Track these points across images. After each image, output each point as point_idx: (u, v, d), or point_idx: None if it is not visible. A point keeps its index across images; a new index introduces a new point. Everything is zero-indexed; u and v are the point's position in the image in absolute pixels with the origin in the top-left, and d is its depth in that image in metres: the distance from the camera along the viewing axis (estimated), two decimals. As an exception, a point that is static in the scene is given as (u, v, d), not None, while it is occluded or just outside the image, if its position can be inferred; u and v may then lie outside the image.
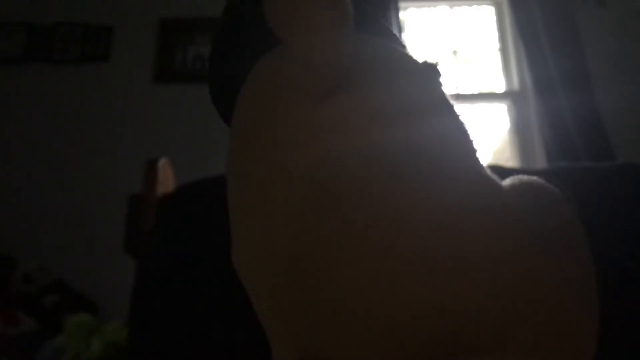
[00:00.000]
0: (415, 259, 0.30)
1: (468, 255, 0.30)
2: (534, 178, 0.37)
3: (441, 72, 0.39)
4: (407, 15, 2.46)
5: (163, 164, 0.95)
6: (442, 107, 0.38)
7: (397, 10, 2.14)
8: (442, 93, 0.38)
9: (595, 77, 2.12)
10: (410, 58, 0.40)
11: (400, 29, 2.11)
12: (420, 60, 0.40)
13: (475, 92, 2.38)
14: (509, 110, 2.33)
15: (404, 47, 0.42)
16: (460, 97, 2.33)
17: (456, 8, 2.53)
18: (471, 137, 0.37)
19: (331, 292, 0.30)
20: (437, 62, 0.39)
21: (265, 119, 0.36)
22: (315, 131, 0.34)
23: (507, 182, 0.36)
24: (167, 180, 0.96)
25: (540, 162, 2.12)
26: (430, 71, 0.39)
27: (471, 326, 0.30)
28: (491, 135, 2.34)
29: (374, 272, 0.30)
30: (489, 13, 2.50)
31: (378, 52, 0.39)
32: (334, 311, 0.30)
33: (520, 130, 2.26)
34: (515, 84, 2.33)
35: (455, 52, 2.47)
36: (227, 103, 0.42)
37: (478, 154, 0.37)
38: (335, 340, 0.30)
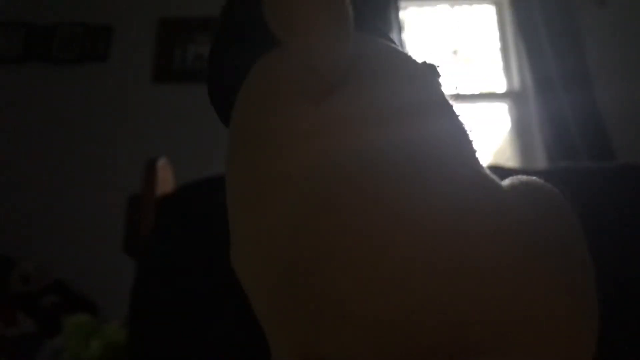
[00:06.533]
0: (414, 260, 0.30)
1: (467, 256, 0.30)
2: (534, 178, 0.37)
3: (441, 73, 0.39)
4: (407, 15, 2.45)
5: (162, 164, 0.94)
6: (441, 108, 0.37)
7: (397, 9, 2.14)
8: (442, 94, 0.38)
9: (595, 77, 2.12)
10: (409, 58, 0.40)
11: (400, 29, 2.11)
12: (420, 60, 0.40)
13: (476, 92, 2.38)
14: (510, 110, 2.33)
15: (401, 49, 0.42)
16: (460, 97, 2.33)
17: (457, 7, 2.53)
18: (471, 138, 0.37)
19: (330, 294, 0.30)
20: (437, 63, 0.39)
21: (264, 119, 0.36)
22: (314, 132, 0.33)
23: (507, 182, 0.36)
24: (166, 180, 0.96)
25: (541, 162, 2.11)
26: (430, 72, 0.38)
27: (471, 327, 0.30)
28: (492, 135, 2.34)
29: (373, 274, 0.30)
30: (489, 12, 2.50)
31: (377, 52, 0.39)
32: (333, 313, 0.30)
33: (520, 130, 2.26)
34: (516, 84, 2.33)
35: (455, 52, 2.47)
36: (226, 103, 0.42)
37: (478, 155, 0.37)
38: (335, 342, 0.30)
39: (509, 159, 2.24)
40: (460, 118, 0.37)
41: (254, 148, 0.36)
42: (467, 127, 0.37)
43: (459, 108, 0.38)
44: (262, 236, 0.34)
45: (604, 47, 2.19)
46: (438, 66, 0.39)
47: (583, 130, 2.03)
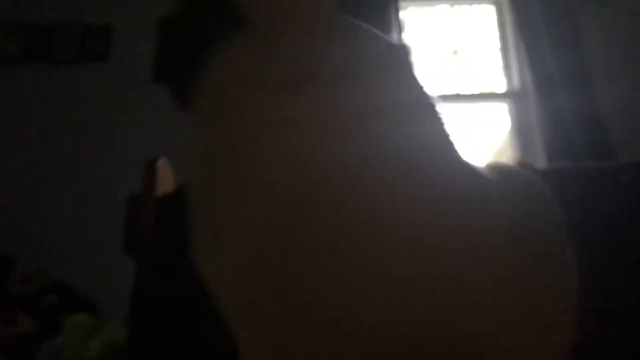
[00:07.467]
0: (393, 264, 0.30)
1: (446, 257, 0.30)
2: (517, 170, 0.37)
3: (410, 51, 0.39)
4: (407, 15, 2.45)
5: (162, 164, 0.94)
6: (419, 106, 0.37)
7: (397, 9, 2.14)
8: (420, 89, 0.38)
9: (595, 76, 2.12)
10: (386, 44, 0.39)
11: (400, 29, 2.11)
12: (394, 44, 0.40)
13: (476, 92, 2.38)
14: (510, 110, 2.33)
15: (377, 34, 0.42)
16: (460, 97, 2.33)
17: (456, 7, 2.53)
18: (450, 133, 0.37)
19: (306, 298, 0.30)
20: (407, 46, 0.39)
21: (236, 112, 0.35)
22: (288, 128, 0.33)
23: (488, 173, 0.36)
24: (166, 181, 0.96)
25: (541, 162, 2.11)
26: (403, 53, 0.38)
27: (453, 326, 0.30)
28: (492, 135, 2.33)
29: (351, 279, 0.29)
30: (489, 12, 2.49)
31: (357, 48, 0.39)
32: (310, 317, 0.30)
33: (521, 130, 2.26)
34: (516, 84, 2.33)
35: (455, 52, 2.47)
36: (177, 82, 0.41)
37: (457, 149, 0.37)
38: (311, 346, 0.30)
39: (509, 159, 2.24)
40: (439, 115, 0.37)
41: (227, 145, 0.36)
42: (446, 124, 0.37)
43: (438, 105, 0.38)
44: (236, 240, 0.33)
45: (604, 47, 2.19)
46: (408, 46, 0.39)
47: (583, 130, 2.03)
